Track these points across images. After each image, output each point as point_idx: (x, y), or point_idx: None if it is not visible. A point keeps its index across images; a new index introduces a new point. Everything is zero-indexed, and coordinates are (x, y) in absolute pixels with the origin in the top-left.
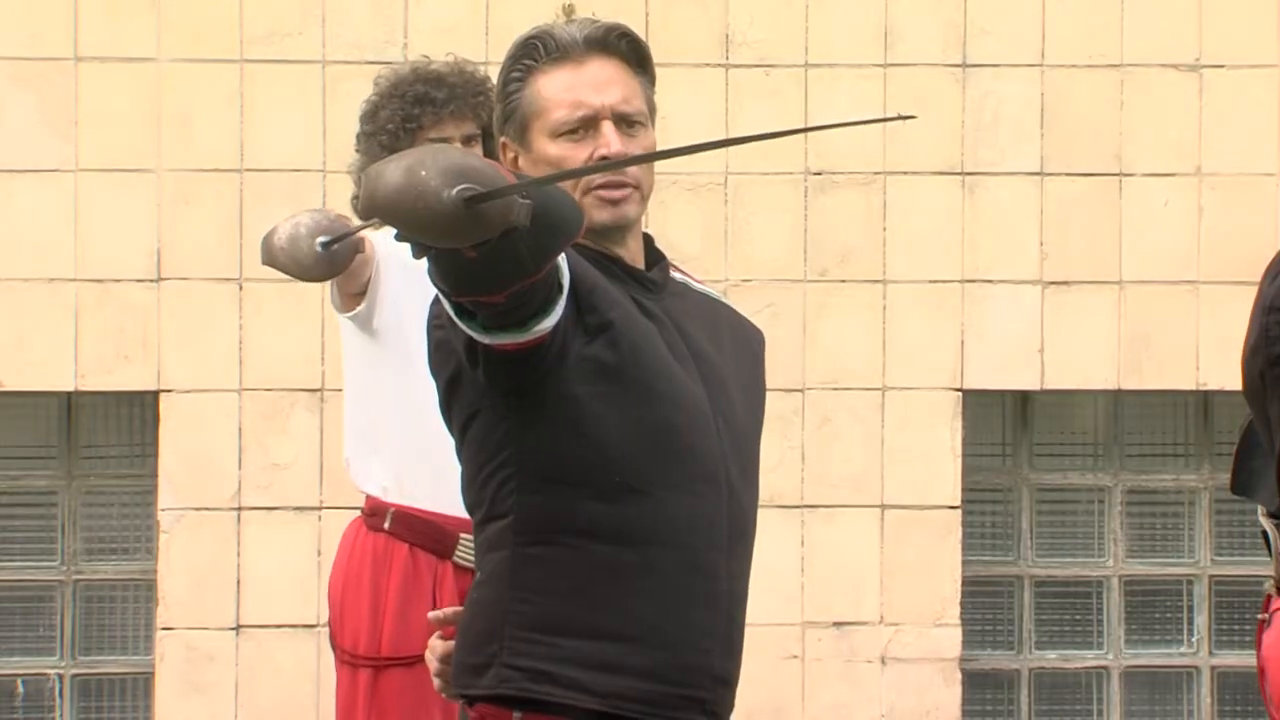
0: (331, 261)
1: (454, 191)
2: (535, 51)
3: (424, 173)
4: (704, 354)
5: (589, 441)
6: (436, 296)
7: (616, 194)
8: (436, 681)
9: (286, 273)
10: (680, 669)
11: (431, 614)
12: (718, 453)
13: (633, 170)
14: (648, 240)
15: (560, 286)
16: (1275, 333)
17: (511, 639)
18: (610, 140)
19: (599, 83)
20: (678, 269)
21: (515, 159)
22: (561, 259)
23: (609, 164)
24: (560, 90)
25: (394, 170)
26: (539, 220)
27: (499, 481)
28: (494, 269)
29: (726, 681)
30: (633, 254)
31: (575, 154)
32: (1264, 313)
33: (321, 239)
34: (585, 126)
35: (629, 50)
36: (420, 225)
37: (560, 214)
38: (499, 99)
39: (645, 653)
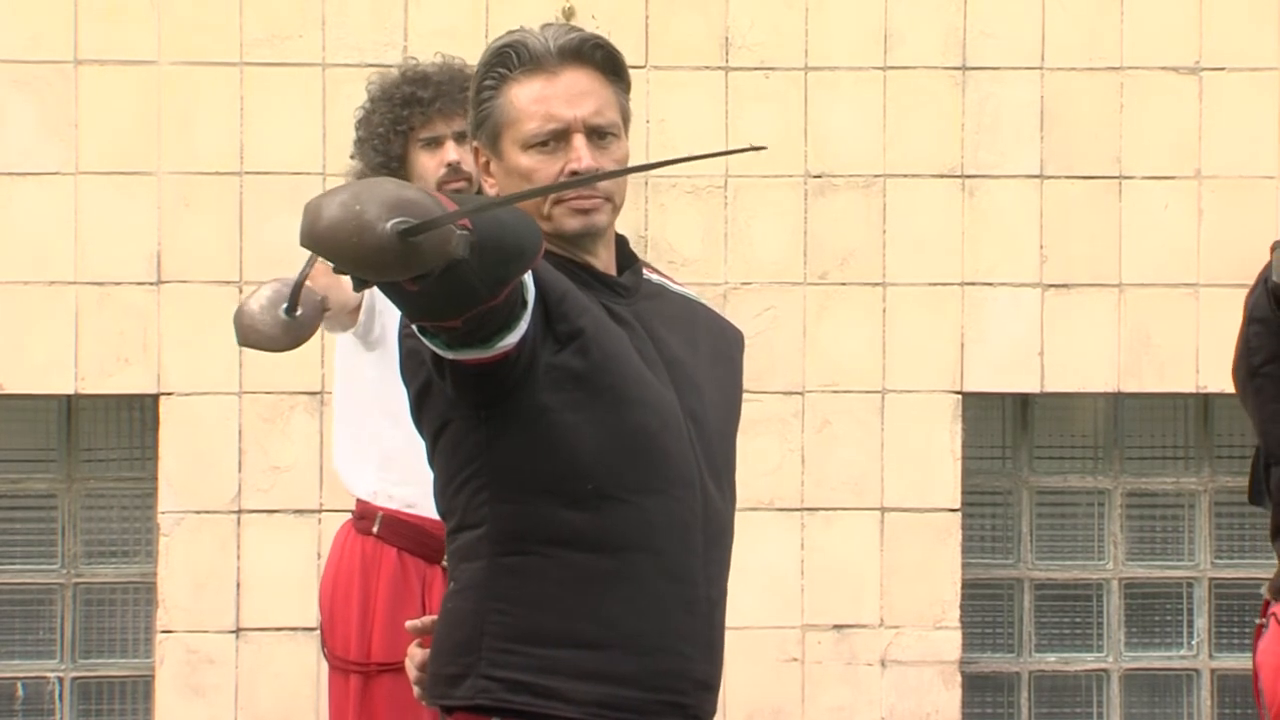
0: (300, 326)
1: (389, 224)
2: (509, 60)
3: (359, 206)
4: (676, 358)
5: (561, 450)
6: None
7: (587, 204)
8: (416, 690)
9: (261, 348)
10: (660, 674)
11: (409, 623)
12: (690, 456)
13: (603, 182)
14: (622, 243)
15: (524, 303)
16: (1255, 343)
17: (489, 650)
18: (581, 154)
19: (571, 95)
20: (655, 270)
21: (487, 164)
22: (528, 276)
23: (539, 189)
24: (532, 101)
25: (331, 204)
26: (489, 249)
27: (471, 491)
28: (445, 299)
29: (708, 685)
30: (604, 262)
31: (546, 166)
32: (1246, 323)
33: (284, 306)
34: (556, 139)
35: (603, 60)
36: (357, 259)
37: (513, 240)
38: (472, 104)
39: (624, 660)
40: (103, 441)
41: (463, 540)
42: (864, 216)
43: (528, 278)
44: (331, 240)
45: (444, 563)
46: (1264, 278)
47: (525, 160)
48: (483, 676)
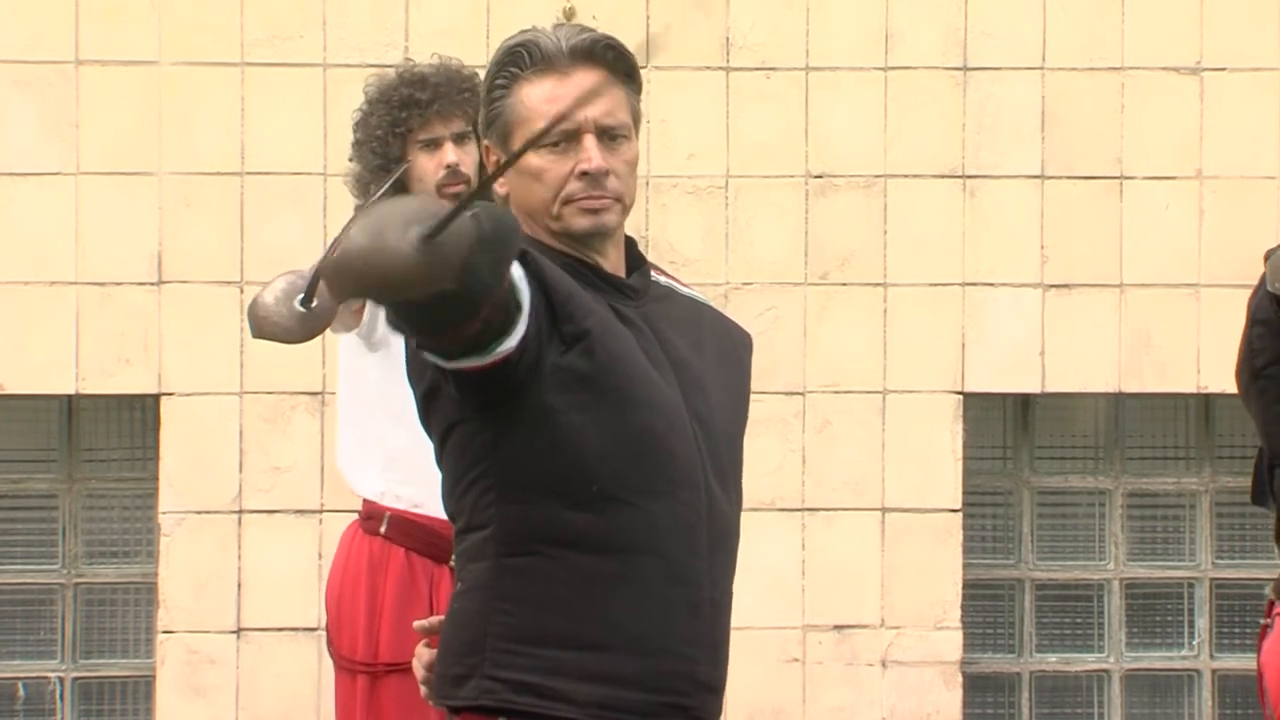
0: (315, 317)
1: (411, 234)
2: (521, 59)
3: (378, 233)
4: (682, 360)
5: (566, 451)
6: None
7: (596, 204)
8: (423, 689)
9: (277, 340)
10: (664, 676)
11: (416, 623)
12: (696, 458)
13: (613, 183)
14: (631, 245)
15: (519, 306)
16: (1258, 345)
17: (493, 650)
18: (592, 154)
19: None
20: (663, 273)
21: (497, 162)
22: (521, 279)
23: (522, 150)
24: (543, 101)
25: (357, 238)
26: (487, 237)
27: (478, 492)
28: (469, 298)
29: (712, 688)
30: (613, 262)
31: (556, 165)
32: (1249, 325)
33: (299, 298)
34: (567, 139)
35: (615, 61)
36: (397, 282)
37: (501, 228)
38: (484, 103)
39: (628, 661)
40: (103, 442)
41: (470, 541)
42: (865, 217)
43: (521, 283)
44: (371, 274)
45: (452, 563)
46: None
47: (535, 159)
48: (487, 677)
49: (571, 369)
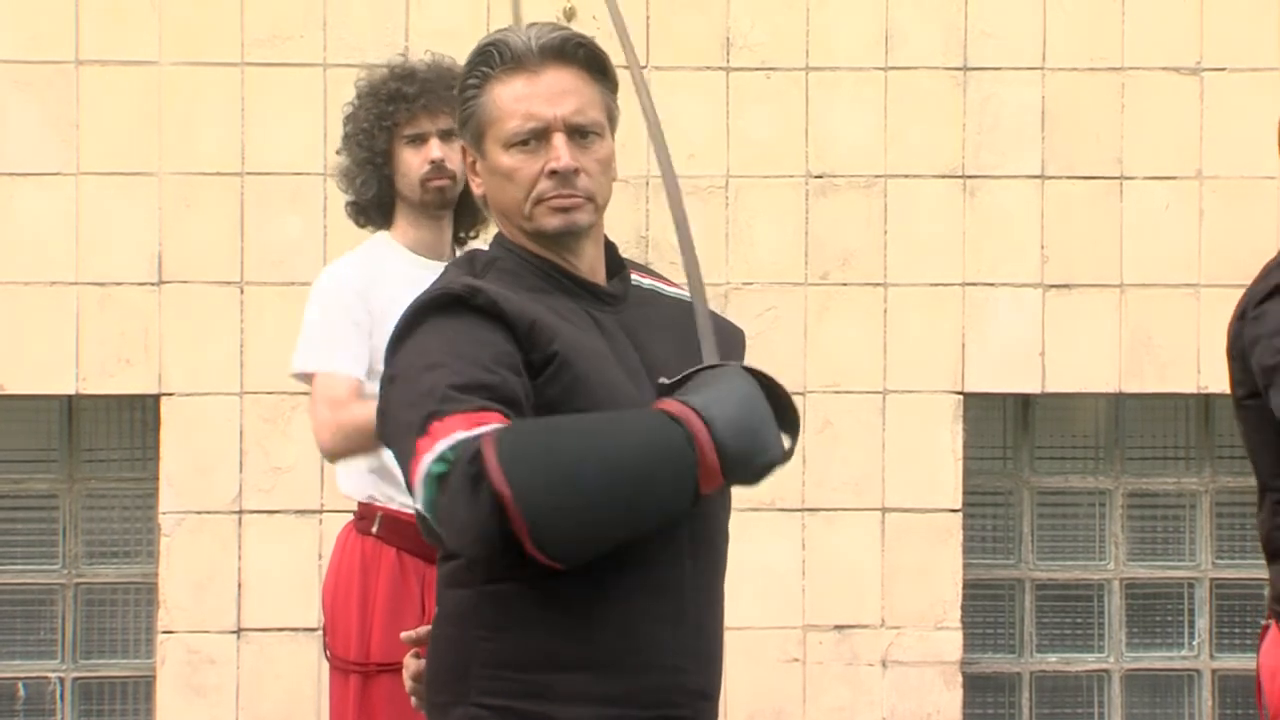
0: None
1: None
2: (491, 59)
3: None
4: (663, 366)
5: None
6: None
7: (567, 202)
8: (413, 700)
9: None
10: (650, 691)
11: (404, 634)
12: None
13: (584, 181)
14: (610, 249)
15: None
16: (1238, 377)
17: (478, 677)
18: (561, 153)
19: (553, 93)
20: (649, 274)
21: (474, 164)
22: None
23: None
24: (513, 100)
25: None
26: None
27: None
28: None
29: (705, 694)
30: (590, 262)
31: (527, 165)
32: (1229, 358)
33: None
34: (537, 137)
35: (586, 59)
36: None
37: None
38: (458, 103)
39: (610, 680)
40: (104, 442)
41: (451, 566)
42: (865, 217)
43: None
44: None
45: None
46: (1242, 311)
47: (506, 159)
48: (473, 704)
49: (542, 395)
